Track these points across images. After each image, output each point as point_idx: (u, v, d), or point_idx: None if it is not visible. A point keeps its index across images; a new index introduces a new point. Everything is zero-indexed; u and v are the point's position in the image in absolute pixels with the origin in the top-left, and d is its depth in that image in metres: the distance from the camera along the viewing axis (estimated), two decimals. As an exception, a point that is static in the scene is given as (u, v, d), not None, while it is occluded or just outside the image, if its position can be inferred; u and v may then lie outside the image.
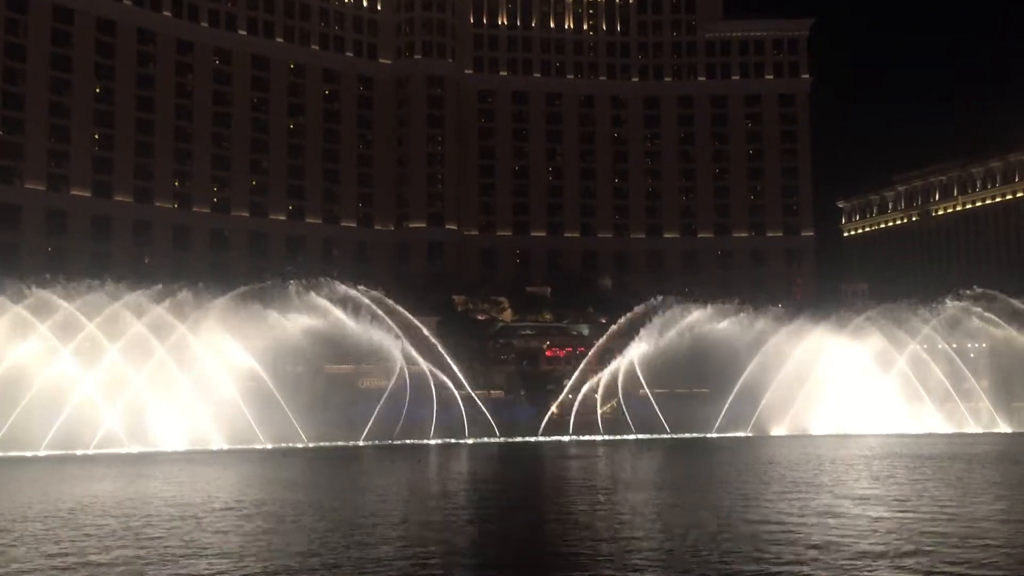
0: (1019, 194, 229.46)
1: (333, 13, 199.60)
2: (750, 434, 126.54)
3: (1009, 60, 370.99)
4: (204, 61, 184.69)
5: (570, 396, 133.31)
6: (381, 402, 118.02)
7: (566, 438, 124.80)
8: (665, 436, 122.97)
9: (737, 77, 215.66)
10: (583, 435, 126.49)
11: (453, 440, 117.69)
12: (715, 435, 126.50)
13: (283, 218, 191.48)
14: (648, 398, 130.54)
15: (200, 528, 36.95)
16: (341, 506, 45.21)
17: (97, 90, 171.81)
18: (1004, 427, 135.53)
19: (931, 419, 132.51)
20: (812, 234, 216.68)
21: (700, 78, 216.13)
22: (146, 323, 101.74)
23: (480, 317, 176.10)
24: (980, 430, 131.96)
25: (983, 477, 57.07)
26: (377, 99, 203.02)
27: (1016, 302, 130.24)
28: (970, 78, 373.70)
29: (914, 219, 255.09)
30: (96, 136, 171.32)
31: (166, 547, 32.25)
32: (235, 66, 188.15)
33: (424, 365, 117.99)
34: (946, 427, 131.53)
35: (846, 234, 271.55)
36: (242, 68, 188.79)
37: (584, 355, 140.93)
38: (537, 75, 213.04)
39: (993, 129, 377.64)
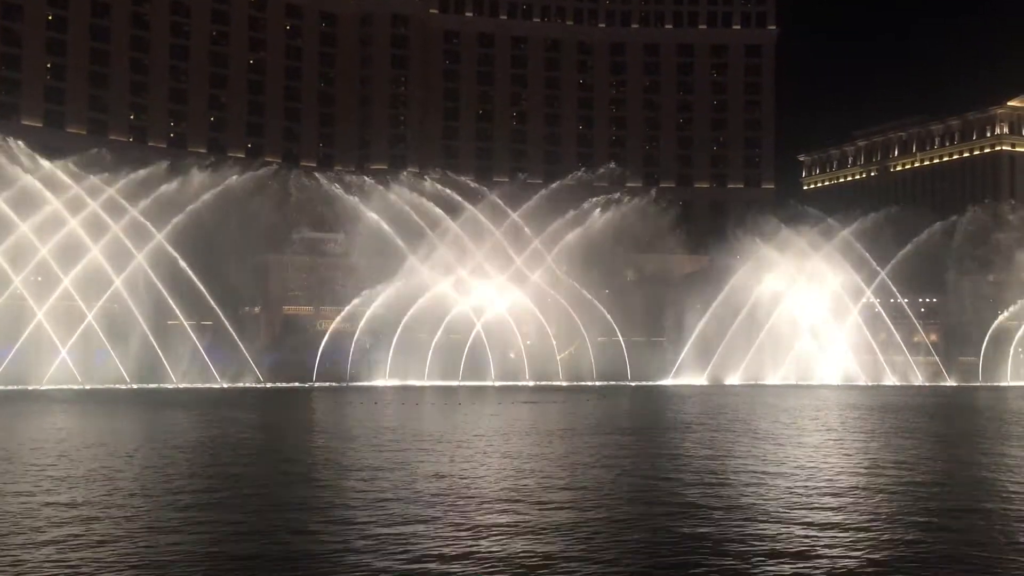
0: (976, 152, 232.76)
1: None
2: (705, 382, 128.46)
3: (969, 21, 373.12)
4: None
5: (527, 342, 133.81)
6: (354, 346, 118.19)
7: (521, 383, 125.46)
8: (621, 383, 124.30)
9: (704, 26, 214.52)
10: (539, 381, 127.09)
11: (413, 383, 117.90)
12: (670, 383, 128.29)
13: (241, 155, 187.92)
14: (605, 345, 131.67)
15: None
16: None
17: (50, 17, 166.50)
18: (949, 381, 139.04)
19: (879, 371, 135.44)
20: (773, 187, 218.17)
21: (667, 26, 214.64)
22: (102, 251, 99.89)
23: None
24: (926, 383, 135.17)
25: (933, 428, 58.62)
26: (340, 37, 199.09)
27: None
28: (932, 38, 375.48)
29: (873, 174, 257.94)
30: (48, 65, 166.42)
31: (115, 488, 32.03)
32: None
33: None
34: (893, 380, 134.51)
35: (806, 187, 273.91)
36: (201, 0, 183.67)
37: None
38: (504, 17, 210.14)
39: (953, 89, 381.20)
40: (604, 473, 34.92)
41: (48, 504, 26.87)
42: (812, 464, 37.49)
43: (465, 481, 32.19)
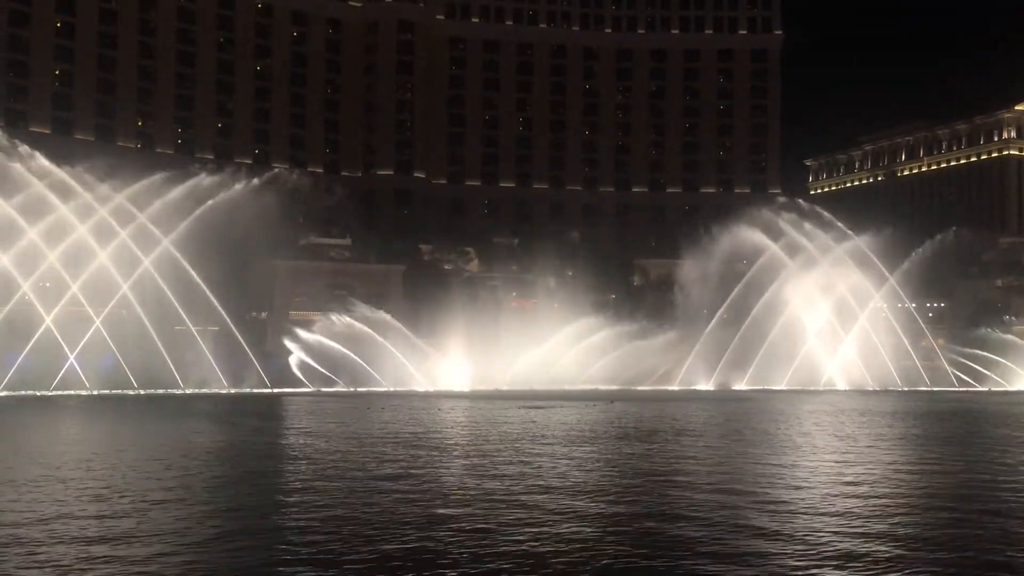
0: (983, 156, 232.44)
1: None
2: (712, 388, 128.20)
3: (977, 26, 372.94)
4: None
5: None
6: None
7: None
8: (626, 388, 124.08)
9: (710, 31, 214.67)
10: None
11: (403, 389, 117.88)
12: (676, 388, 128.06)
13: (248, 162, 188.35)
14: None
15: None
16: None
17: (58, 24, 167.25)
18: (956, 385, 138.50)
19: (888, 376, 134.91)
20: (779, 192, 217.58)
21: (673, 31, 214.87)
22: (109, 256, 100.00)
23: (447, 267, 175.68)
24: (935, 388, 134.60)
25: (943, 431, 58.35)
26: (346, 43, 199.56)
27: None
28: (939, 43, 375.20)
29: (880, 179, 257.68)
30: (56, 72, 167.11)
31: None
32: (200, 4, 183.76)
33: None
34: (901, 384, 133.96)
35: (813, 192, 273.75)
36: (208, 7, 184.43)
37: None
38: (509, 23, 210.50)
39: (960, 93, 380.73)
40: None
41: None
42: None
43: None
